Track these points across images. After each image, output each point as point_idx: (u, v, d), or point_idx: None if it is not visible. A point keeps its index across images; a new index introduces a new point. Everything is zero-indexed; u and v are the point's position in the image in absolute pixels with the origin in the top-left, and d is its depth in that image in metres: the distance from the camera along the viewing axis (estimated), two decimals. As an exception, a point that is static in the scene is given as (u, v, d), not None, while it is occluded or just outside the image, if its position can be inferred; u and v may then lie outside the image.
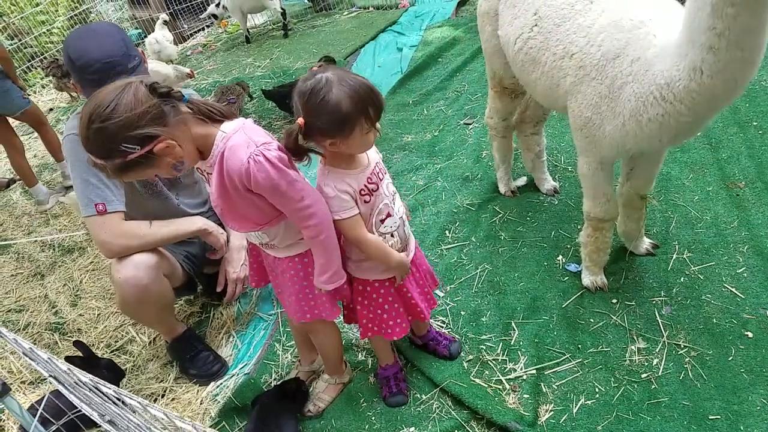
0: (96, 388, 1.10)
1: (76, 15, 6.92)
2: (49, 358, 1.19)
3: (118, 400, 1.05)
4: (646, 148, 1.89)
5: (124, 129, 1.36)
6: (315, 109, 1.51)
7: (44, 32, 6.79)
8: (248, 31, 6.75)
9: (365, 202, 1.70)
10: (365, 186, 1.68)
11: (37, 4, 6.80)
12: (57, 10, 6.96)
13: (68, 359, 2.20)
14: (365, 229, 1.72)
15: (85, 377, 1.11)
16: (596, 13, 1.86)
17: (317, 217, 1.60)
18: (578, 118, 1.96)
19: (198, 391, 2.38)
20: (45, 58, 6.64)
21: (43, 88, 6.24)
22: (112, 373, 2.33)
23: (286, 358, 2.42)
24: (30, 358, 1.35)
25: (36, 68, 6.71)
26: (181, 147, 1.47)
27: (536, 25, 2.08)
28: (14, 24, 6.61)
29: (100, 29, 2.12)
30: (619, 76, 1.76)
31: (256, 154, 1.47)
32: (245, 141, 1.49)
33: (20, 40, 6.58)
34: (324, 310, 1.84)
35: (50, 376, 1.38)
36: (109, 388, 1.04)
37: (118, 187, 2.09)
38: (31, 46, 6.68)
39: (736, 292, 2.23)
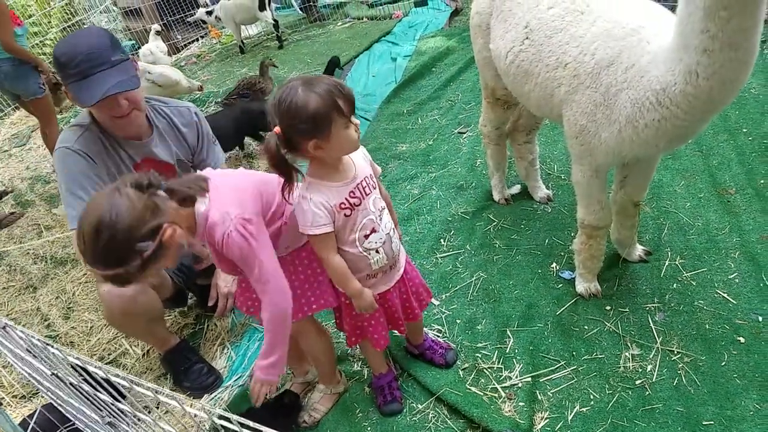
0: (107, 381, 1.08)
1: (69, 27, 6.92)
2: (59, 349, 1.16)
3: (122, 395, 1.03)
4: (641, 154, 1.90)
5: (135, 229, 1.39)
6: (287, 114, 1.52)
7: (37, 43, 6.78)
8: (242, 42, 6.78)
9: (345, 215, 1.69)
10: (346, 200, 1.68)
11: (30, 16, 6.79)
12: (50, 22, 6.94)
13: None
14: (334, 250, 1.73)
15: (95, 367, 1.08)
16: (588, 23, 1.88)
17: (274, 305, 1.66)
18: (573, 127, 1.98)
19: (192, 404, 2.36)
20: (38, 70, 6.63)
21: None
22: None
23: (281, 368, 2.41)
24: (33, 354, 1.32)
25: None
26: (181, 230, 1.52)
27: (527, 38, 2.10)
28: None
29: (87, 30, 2.13)
30: (614, 84, 1.78)
31: (231, 230, 1.54)
32: (221, 217, 1.54)
33: (13, 52, 6.58)
34: (327, 296, 1.88)
35: (53, 374, 1.35)
36: (123, 378, 1.03)
37: None
38: (24, 58, 6.68)
39: (728, 297, 2.25)
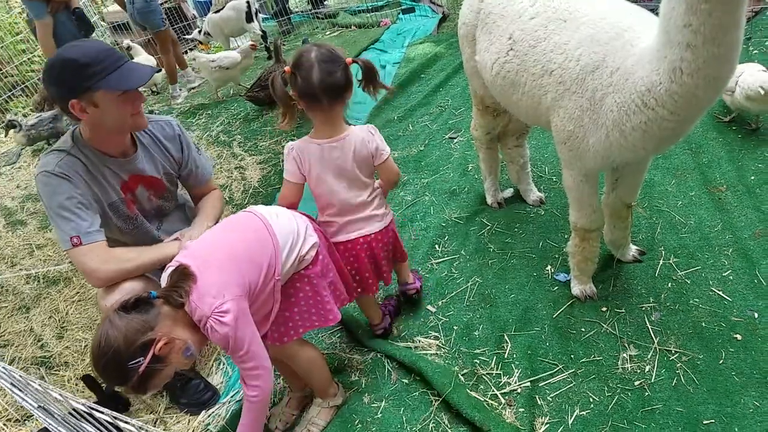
0: (90, 414, 1.08)
1: (56, 43, 6.90)
2: (40, 385, 1.17)
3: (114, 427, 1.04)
4: (630, 157, 1.90)
5: (123, 351, 1.51)
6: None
7: (25, 61, 6.76)
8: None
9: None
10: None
11: (17, 33, 6.78)
12: (37, 39, 6.94)
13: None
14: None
15: (77, 403, 1.09)
16: (571, 31, 1.89)
17: (261, 390, 1.73)
18: (561, 132, 1.99)
19: (189, 420, 2.34)
20: (26, 87, 6.61)
21: (25, 117, 6.19)
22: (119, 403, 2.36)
23: (278, 383, 2.39)
24: (18, 389, 1.32)
25: (17, 97, 6.68)
26: (177, 336, 1.61)
27: (512, 49, 2.11)
28: (-6, 54, 6.60)
29: (83, 40, 2.12)
30: (600, 88, 1.79)
31: (208, 327, 1.63)
32: (199, 315, 1.64)
33: (0, 70, 6.55)
34: (332, 313, 1.99)
35: (39, 407, 1.35)
36: (106, 414, 1.03)
37: (94, 218, 2.06)
38: (12, 75, 6.65)
39: (723, 295, 2.25)
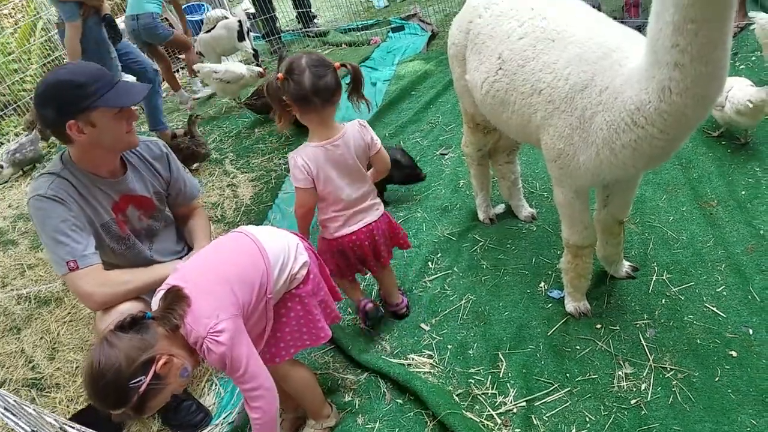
0: None
1: (49, 62, 6.91)
2: (34, 409, 1.16)
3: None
4: (620, 175, 1.91)
5: (124, 369, 1.48)
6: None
7: (17, 80, 6.76)
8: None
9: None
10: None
11: (10, 53, 6.78)
12: (30, 58, 6.94)
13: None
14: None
15: (71, 428, 1.07)
16: (559, 50, 1.90)
17: (264, 413, 1.72)
18: (551, 151, 1.99)
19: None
20: (18, 106, 6.60)
21: (17, 136, 6.19)
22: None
23: (272, 403, 2.36)
24: (12, 413, 1.30)
25: (9, 116, 6.67)
26: (174, 355, 1.60)
27: (500, 68, 2.13)
28: (-14, 74, 6.60)
29: (77, 62, 2.11)
30: (589, 107, 1.80)
31: (204, 349, 1.63)
32: (194, 337, 1.63)
33: (-7, 89, 6.56)
34: (324, 331, 1.99)
35: (32, 431, 1.33)
36: None
37: (89, 240, 2.05)
38: (4, 95, 6.65)
39: (717, 311, 2.25)
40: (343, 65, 2.18)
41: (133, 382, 1.49)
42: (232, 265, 1.78)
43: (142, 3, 5.48)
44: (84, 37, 4.20)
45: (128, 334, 1.54)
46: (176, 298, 1.63)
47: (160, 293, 1.72)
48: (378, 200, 2.41)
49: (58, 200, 1.99)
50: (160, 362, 1.54)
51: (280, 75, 2.07)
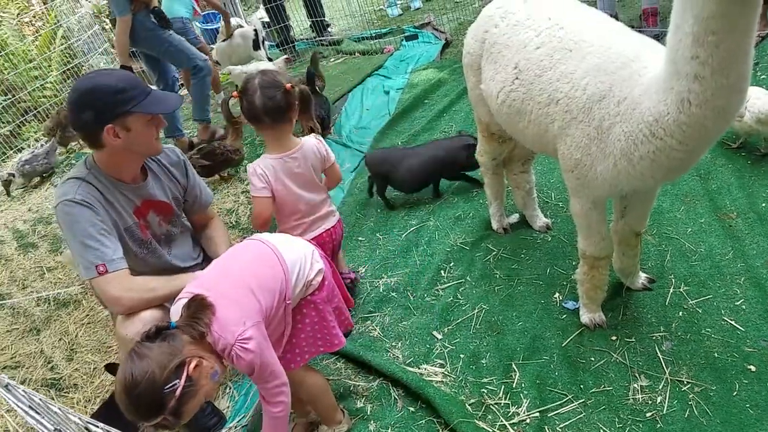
0: None
1: (68, 69, 7.02)
2: (60, 408, 1.17)
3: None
4: (639, 186, 1.89)
5: (158, 376, 1.48)
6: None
7: (38, 87, 6.87)
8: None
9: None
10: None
11: (31, 60, 6.90)
12: (50, 66, 7.06)
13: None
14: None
15: (96, 427, 1.08)
16: (577, 60, 1.90)
17: (285, 405, 1.78)
18: (569, 161, 1.98)
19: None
20: (38, 112, 6.71)
21: (36, 141, 6.29)
22: None
23: (285, 409, 2.37)
24: (36, 412, 1.32)
25: (30, 122, 6.78)
26: (204, 358, 1.61)
27: (517, 78, 2.13)
28: (8, 80, 6.70)
29: (109, 69, 2.16)
30: (607, 117, 1.79)
31: (234, 356, 1.65)
32: (223, 344, 1.64)
33: (14, 96, 6.66)
34: (338, 338, 2.00)
35: (56, 429, 1.35)
36: None
37: (117, 244, 2.07)
38: (25, 101, 6.76)
39: (735, 324, 2.22)
40: (294, 87, 2.34)
41: (168, 387, 1.49)
42: (253, 272, 1.80)
43: (172, 6, 5.48)
44: (135, 30, 4.36)
45: (155, 343, 1.54)
46: (200, 306, 1.64)
47: (179, 302, 1.73)
48: (333, 207, 2.66)
49: (87, 205, 2.01)
50: (192, 365, 1.54)
51: (234, 93, 2.35)
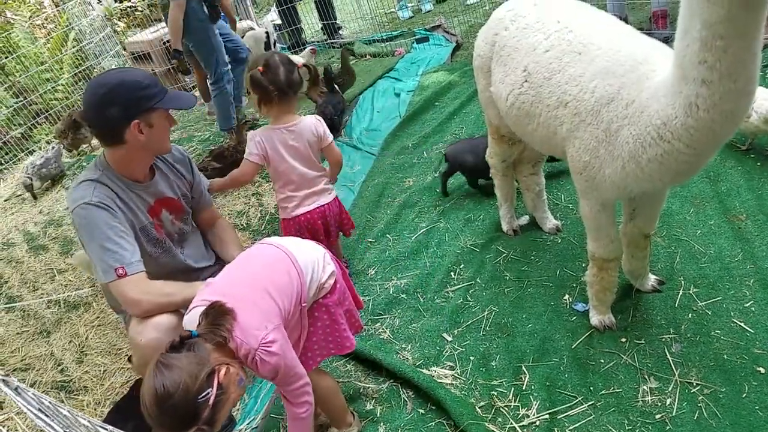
0: None
1: (80, 72, 7.08)
2: (69, 411, 1.18)
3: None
4: (647, 188, 1.90)
5: (191, 386, 1.46)
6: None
7: (49, 89, 6.93)
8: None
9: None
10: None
11: (42, 63, 6.97)
12: (61, 68, 7.12)
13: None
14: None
15: (106, 430, 1.09)
16: (586, 63, 1.91)
17: (310, 405, 1.81)
18: (577, 163, 1.99)
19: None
20: (50, 114, 6.77)
21: (48, 143, 6.34)
22: None
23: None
24: (45, 415, 1.33)
25: (41, 124, 6.84)
26: (230, 364, 1.59)
27: (526, 80, 2.14)
28: (19, 82, 6.77)
29: (124, 68, 2.21)
30: (615, 120, 1.80)
31: (257, 360, 1.64)
32: (246, 349, 1.63)
33: (25, 98, 6.72)
34: (349, 340, 2.01)
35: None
36: None
37: (135, 246, 2.08)
38: (36, 104, 6.82)
39: (745, 326, 2.22)
40: (305, 65, 2.72)
41: (202, 396, 1.47)
42: (268, 276, 1.81)
43: None
44: (187, 17, 4.46)
45: (182, 354, 1.52)
46: (220, 312, 1.63)
47: (194, 310, 1.72)
48: (330, 186, 2.87)
49: (104, 207, 2.02)
50: (222, 372, 1.53)
51: (260, 68, 2.56)
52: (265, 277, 1.80)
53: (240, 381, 1.61)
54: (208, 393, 1.48)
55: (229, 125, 5.14)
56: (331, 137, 2.78)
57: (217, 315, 1.62)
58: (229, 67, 4.97)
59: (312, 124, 2.71)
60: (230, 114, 5.13)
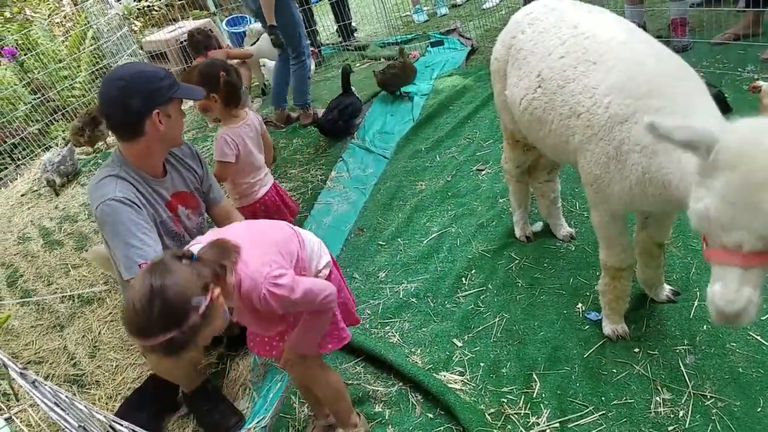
0: None
1: (97, 70, 7.16)
2: (85, 405, 1.19)
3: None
4: (656, 210, 1.88)
5: (186, 288, 1.41)
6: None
7: (67, 87, 7.01)
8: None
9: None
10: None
11: (60, 60, 7.05)
12: (79, 66, 7.20)
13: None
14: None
15: (121, 425, 1.09)
16: (601, 74, 1.87)
17: (332, 297, 1.76)
18: (588, 175, 1.98)
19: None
20: (67, 111, 6.85)
21: (64, 140, 6.40)
22: None
23: (303, 411, 2.39)
24: (61, 408, 1.34)
25: (58, 121, 6.92)
26: (221, 291, 1.54)
27: (540, 86, 2.12)
28: (38, 79, 6.85)
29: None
30: (626, 142, 1.76)
31: (264, 292, 1.59)
32: (252, 283, 1.59)
33: (43, 95, 6.80)
34: (345, 332, 1.99)
35: (80, 426, 1.37)
36: None
37: (158, 242, 2.09)
38: (54, 101, 6.90)
39: (761, 339, 2.19)
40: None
41: (196, 299, 1.43)
42: (272, 236, 1.79)
43: None
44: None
45: (181, 263, 1.48)
46: (225, 246, 1.60)
47: (194, 245, 1.68)
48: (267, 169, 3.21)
49: (128, 203, 2.03)
50: (216, 290, 1.49)
51: (222, 73, 2.77)
52: (270, 237, 1.78)
53: (225, 312, 1.56)
54: (201, 300, 1.43)
55: (304, 100, 5.21)
56: (263, 125, 3.15)
57: (222, 248, 1.59)
58: (309, 41, 5.03)
59: (254, 115, 3.06)
60: (306, 89, 5.19)
